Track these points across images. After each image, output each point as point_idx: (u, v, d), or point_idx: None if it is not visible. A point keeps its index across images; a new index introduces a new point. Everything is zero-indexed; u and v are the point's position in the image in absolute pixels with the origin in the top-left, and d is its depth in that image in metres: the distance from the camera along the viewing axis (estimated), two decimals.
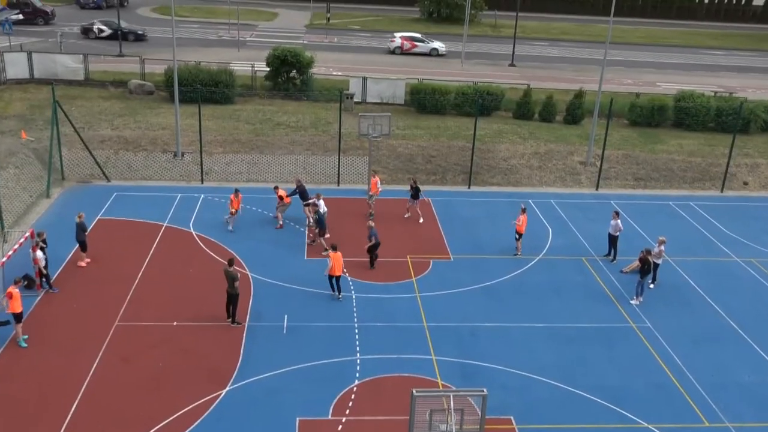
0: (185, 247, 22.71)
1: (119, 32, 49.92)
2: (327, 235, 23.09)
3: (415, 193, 24.73)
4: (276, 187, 24.44)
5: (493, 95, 38.79)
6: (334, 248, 19.70)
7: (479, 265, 22.57)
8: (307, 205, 23.77)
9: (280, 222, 24.06)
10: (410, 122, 36.70)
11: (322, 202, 23.46)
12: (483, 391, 11.73)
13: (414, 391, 11.52)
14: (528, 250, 23.69)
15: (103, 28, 52.57)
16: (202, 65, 39.67)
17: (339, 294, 19.85)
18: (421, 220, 25.04)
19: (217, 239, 23.29)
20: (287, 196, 24.26)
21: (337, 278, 19.74)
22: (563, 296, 21.13)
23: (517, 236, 23.40)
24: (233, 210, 23.73)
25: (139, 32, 53.78)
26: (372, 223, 21.58)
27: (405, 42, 54.64)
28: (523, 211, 23.43)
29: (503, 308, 20.28)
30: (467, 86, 39.46)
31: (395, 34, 56.75)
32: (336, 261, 19.55)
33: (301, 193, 24.37)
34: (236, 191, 24.12)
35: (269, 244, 23.15)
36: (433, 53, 55.36)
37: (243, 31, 57.07)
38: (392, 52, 55.01)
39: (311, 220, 23.72)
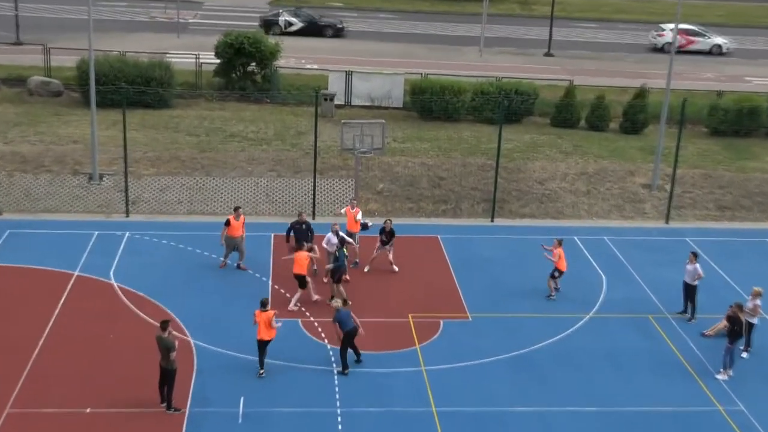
0: (103, 304, 22.66)
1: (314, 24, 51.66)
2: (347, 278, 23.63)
3: (389, 238, 24.79)
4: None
5: (523, 95, 39.21)
6: (263, 305, 19.67)
7: (507, 327, 22.54)
8: (311, 249, 23.26)
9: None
10: (411, 132, 36.98)
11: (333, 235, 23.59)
12: None
13: None
14: (573, 305, 23.71)
15: (293, 20, 53.51)
16: (128, 57, 40.09)
17: (261, 370, 19.77)
18: (396, 269, 24.99)
19: (148, 293, 23.23)
20: (291, 236, 24.22)
21: (265, 344, 19.71)
22: (623, 369, 21.07)
23: (556, 274, 23.66)
24: (231, 236, 24.14)
25: (339, 25, 54.73)
26: (338, 304, 20.23)
27: (680, 37, 53.66)
28: (559, 243, 23.74)
29: (541, 386, 20.19)
30: (488, 83, 39.89)
31: (663, 26, 57.16)
32: (262, 320, 19.53)
33: (304, 232, 24.24)
34: (236, 210, 24.56)
35: (219, 298, 23.12)
36: (715, 51, 56.26)
37: (184, 11, 57.73)
38: (660, 49, 55.54)
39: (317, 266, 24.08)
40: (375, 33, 57.52)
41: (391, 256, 25.08)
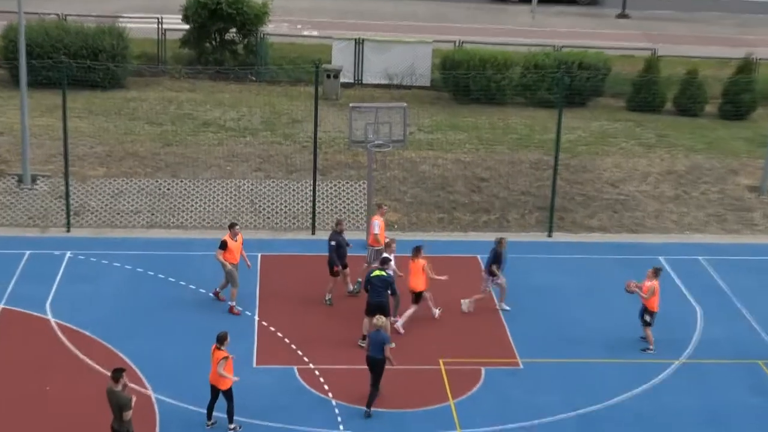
0: (37, 345, 22.66)
1: None
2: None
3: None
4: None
5: (590, 69, 39.13)
6: (220, 341, 19.66)
7: (571, 376, 22.45)
8: (344, 267, 24.53)
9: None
10: (442, 119, 36.94)
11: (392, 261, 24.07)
12: None
13: None
14: (659, 348, 23.58)
15: None
16: (70, 22, 40.22)
17: (209, 422, 19.94)
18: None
19: (95, 331, 23.23)
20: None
21: (216, 392, 19.73)
22: None
23: (648, 318, 23.38)
24: (229, 262, 24.02)
25: None
26: (381, 322, 20.99)
27: None
28: (656, 273, 23.45)
29: None
30: (543, 54, 39.81)
31: None
32: (213, 360, 19.60)
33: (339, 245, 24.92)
34: (232, 228, 24.49)
35: (189, 339, 23.12)
36: None
37: None
38: None
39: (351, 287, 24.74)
40: None
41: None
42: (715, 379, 22.58)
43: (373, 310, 22.46)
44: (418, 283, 23.76)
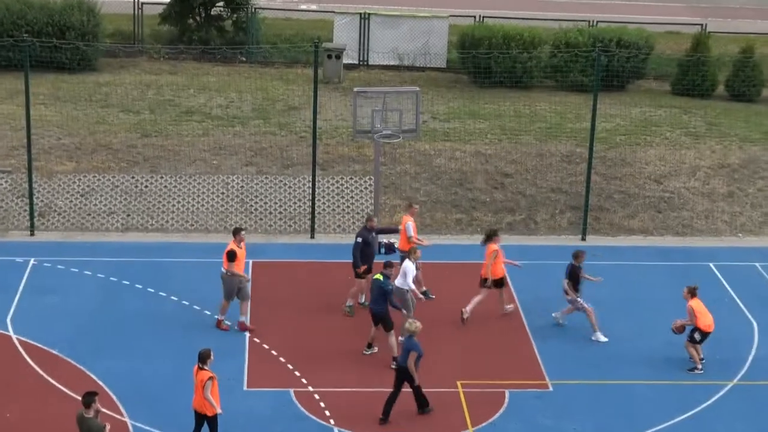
0: None
1: None
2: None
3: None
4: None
5: (629, 48, 39.08)
6: (202, 360, 19.69)
7: (607, 401, 22.43)
8: (368, 271, 24.74)
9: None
10: (460, 105, 36.92)
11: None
12: None
13: None
14: (709, 367, 23.55)
15: None
16: None
17: None
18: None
19: (63, 349, 23.24)
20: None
21: (201, 418, 19.77)
22: None
23: (698, 337, 23.24)
24: (232, 272, 23.96)
25: None
26: (413, 327, 21.44)
27: None
28: (692, 293, 23.21)
29: None
30: (576, 30, 39.79)
31: None
32: (196, 382, 19.66)
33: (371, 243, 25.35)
34: (237, 234, 24.36)
35: (168, 358, 23.13)
36: None
37: None
38: None
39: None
40: None
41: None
42: None
43: (373, 319, 23.02)
44: (487, 270, 24.53)
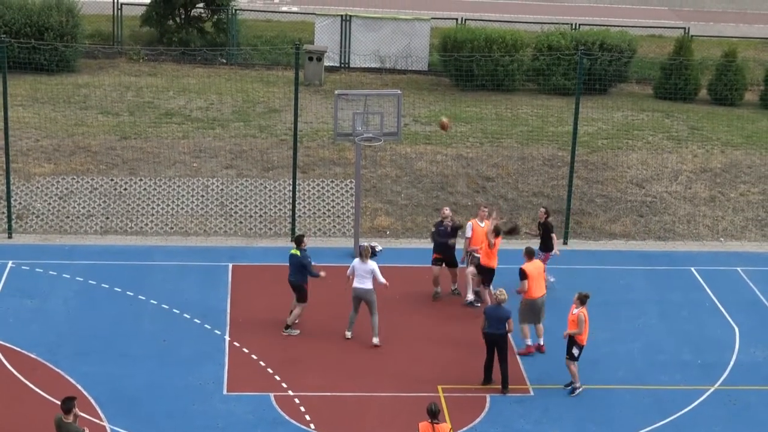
0: None
1: None
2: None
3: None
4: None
5: (612, 51, 39.18)
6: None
7: (589, 405, 22.46)
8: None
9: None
10: (441, 108, 36.88)
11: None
12: None
13: None
14: (690, 372, 23.63)
15: None
16: None
17: None
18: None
19: (41, 353, 23.19)
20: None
21: None
22: None
23: (576, 352, 22.45)
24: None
25: None
26: (503, 296, 22.57)
27: None
28: (582, 302, 22.41)
29: None
30: (558, 33, 39.87)
31: None
32: None
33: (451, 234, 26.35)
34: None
35: (149, 361, 23.11)
36: None
37: None
38: None
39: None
40: None
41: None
42: (754, 408, 22.55)
43: (292, 288, 24.25)
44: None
